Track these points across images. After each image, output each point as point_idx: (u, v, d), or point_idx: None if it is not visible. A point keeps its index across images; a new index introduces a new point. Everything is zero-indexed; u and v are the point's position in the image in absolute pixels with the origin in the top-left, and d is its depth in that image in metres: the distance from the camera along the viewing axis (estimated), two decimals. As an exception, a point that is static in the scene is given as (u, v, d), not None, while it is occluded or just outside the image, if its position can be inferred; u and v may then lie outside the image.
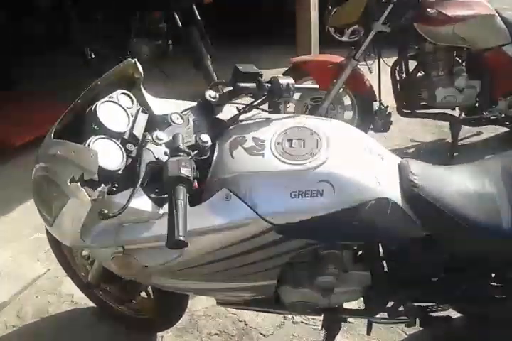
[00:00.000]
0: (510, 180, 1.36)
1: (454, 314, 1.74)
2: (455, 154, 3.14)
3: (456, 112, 3.16)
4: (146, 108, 1.39)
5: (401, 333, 1.99)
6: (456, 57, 3.01)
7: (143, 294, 1.94)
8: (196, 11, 3.94)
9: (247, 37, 5.09)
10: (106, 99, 1.28)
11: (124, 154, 1.22)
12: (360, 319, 1.96)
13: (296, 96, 3.09)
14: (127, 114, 1.30)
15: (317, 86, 1.95)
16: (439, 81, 2.97)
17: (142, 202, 1.21)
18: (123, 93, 1.34)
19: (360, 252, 1.51)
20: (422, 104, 3.13)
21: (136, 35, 4.23)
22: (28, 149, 3.37)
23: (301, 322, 2.09)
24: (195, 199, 1.25)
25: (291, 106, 3.18)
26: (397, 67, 3.12)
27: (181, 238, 1.01)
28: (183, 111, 1.36)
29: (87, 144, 1.18)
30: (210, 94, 1.37)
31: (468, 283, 1.48)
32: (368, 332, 1.69)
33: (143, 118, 1.35)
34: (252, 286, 1.45)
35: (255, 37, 5.12)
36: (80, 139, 1.22)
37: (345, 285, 1.48)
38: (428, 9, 2.84)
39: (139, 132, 1.30)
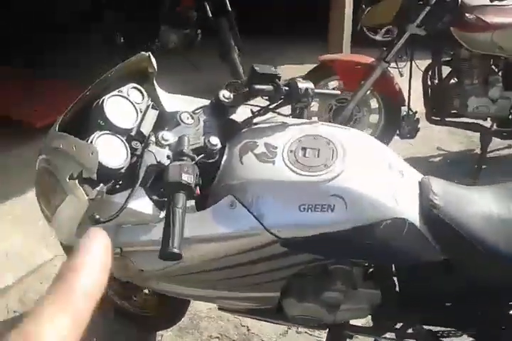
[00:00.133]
0: None
1: None
2: (483, 166, 3.01)
3: (487, 123, 3.03)
4: (157, 104, 1.31)
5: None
6: (493, 66, 2.88)
7: (145, 291, 1.89)
8: (228, 2, 3.87)
9: (275, 30, 4.95)
10: (115, 92, 1.21)
11: (129, 152, 1.15)
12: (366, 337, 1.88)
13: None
14: (136, 109, 1.23)
15: (339, 92, 1.86)
16: (472, 90, 2.84)
17: (143, 204, 1.15)
18: (134, 87, 1.27)
19: (371, 269, 1.43)
20: (452, 112, 3.00)
21: (164, 22, 4.17)
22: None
23: (305, 332, 2.02)
24: (199, 204, 1.19)
25: (314, 106, 3.09)
26: (430, 72, 2.99)
27: (175, 250, 0.94)
28: (194, 110, 1.29)
29: (89, 140, 1.11)
30: (224, 94, 1.28)
31: (484, 310, 1.39)
32: (374, 351, 1.61)
33: (152, 115, 1.27)
34: (254, 296, 1.39)
35: (283, 31, 4.98)
36: (85, 134, 1.15)
37: (353, 303, 1.40)
38: (467, 14, 2.71)
39: (146, 129, 1.23)
